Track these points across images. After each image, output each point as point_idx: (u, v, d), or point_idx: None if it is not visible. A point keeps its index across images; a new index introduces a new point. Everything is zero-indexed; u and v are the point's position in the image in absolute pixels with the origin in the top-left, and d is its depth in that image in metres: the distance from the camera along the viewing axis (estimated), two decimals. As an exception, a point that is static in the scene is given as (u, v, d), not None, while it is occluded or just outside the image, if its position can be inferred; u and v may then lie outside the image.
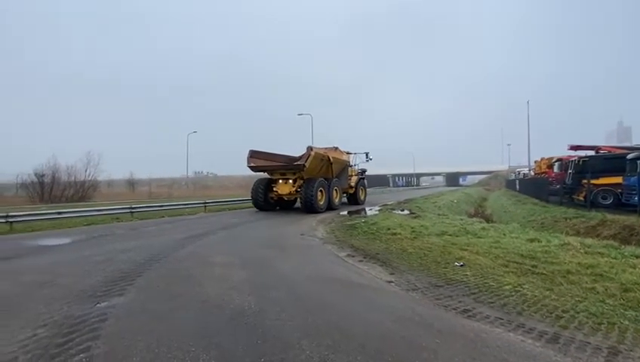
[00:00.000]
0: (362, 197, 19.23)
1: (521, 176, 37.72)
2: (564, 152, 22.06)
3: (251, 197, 15.32)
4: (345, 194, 18.07)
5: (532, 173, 31.16)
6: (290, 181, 14.64)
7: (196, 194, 44.99)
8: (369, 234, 8.51)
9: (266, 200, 15.06)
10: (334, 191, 15.45)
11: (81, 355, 2.61)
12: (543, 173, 25.08)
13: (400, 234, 8.07)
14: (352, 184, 18.31)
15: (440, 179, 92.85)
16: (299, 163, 13.68)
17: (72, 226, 10.78)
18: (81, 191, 40.33)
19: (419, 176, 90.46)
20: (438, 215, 13.25)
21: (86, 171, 42.04)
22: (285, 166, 14.48)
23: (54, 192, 38.19)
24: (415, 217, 11.90)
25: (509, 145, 67.60)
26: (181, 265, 5.52)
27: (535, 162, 29.82)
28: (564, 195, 16.64)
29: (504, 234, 7.52)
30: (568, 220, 11.89)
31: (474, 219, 12.50)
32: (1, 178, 40.94)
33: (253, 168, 14.62)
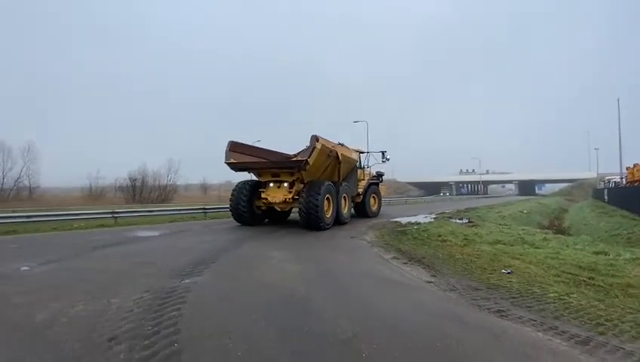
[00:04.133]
0: (374, 208, 15.02)
1: (610, 185, 32.85)
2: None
3: (230, 205, 11.28)
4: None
5: (624, 181, 27.00)
6: (286, 184, 10.76)
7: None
8: (418, 240, 8.62)
9: (250, 210, 11.04)
10: (343, 200, 11.65)
11: (174, 312, 3.49)
12: (637, 181, 21.71)
13: (450, 241, 8.06)
14: (360, 190, 14.10)
15: (512, 187, 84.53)
16: (300, 159, 10.24)
17: (159, 222, 12.83)
18: (164, 193, 46.20)
19: (487, 183, 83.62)
20: (499, 225, 12.56)
21: (167, 176, 48.19)
22: (279, 164, 10.97)
23: (143, 194, 44.40)
24: (472, 226, 11.51)
25: (596, 149, 58.77)
26: (245, 257, 6.44)
27: (627, 169, 25.84)
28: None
29: (567, 246, 7.07)
30: (661, 236, 10.36)
31: (539, 230, 11.60)
32: (103, 182, 48.74)
33: (233, 166, 10.87)
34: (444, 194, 66.28)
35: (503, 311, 3.68)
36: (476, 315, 3.59)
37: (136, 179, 46.06)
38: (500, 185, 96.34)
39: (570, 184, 66.25)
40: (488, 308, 3.76)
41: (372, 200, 15.00)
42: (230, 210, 11.46)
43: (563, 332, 3.13)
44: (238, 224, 11.42)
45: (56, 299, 3.86)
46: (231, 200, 11.30)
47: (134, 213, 13.39)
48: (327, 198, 10.47)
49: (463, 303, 3.98)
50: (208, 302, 3.83)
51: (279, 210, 11.57)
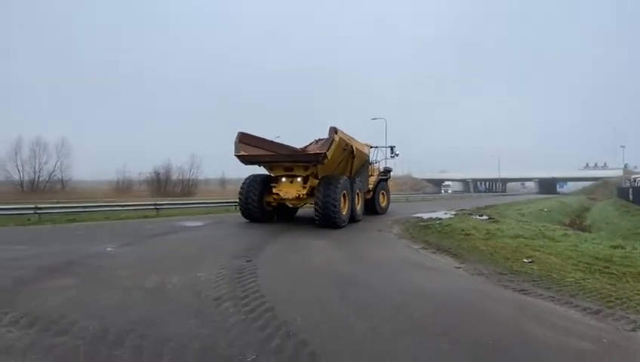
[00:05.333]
0: (383, 205, 14.81)
1: (637, 184, 32.12)
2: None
3: (239, 201, 10.83)
4: None
5: (651, 180, 26.46)
6: (299, 179, 10.34)
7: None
8: (442, 233, 9.24)
9: (260, 206, 10.57)
10: (357, 196, 11.35)
11: (252, 284, 4.31)
12: (664, 180, 21.37)
13: (473, 234, 8.64)
14: (371, 186, 13.74)
15: (531, 185, 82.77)
16: (318, 152, 9.69)
17: (196, 214, 13.89)
18: (187, 187, 47.95)
19: (505, 181, 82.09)
20: (520, 221, 12.97)
21: (190, 171, 49.92)
22: (295, 157, 10.55)
23: (167, 188, 46.28)
24: (492, 222, 11.99)
25: (622, 147, 56.99)
26: (289, 244, 7.27)
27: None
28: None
29: (585, 241, 7.56)
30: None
31: (559, 227, 11.97)
32: (130, 176, 50.87)
33: (243, 159, 10.37)
34: (445, 191, 61.52)
35: (525, 290, 4.34)
36: (502, 292, 4.27)
37: (159, 173, 48.13)
38: (520, 182, 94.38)
39: (593, 182, 64.44)
40: (513, 288, 4.42)
41: (381, 196, 14.75)
42: (239, 207, 10.91)
43: (577, 305, 3.77)
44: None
45: (152, 272, 4.77)
46: (240, 195, 10.71)
47: (173, 205, 14.53)
48: (344, 195, 9.90)
49: (490, 284, 4.65)
50: (276, 278, 4.65)
51: (291, 206, 11.21)
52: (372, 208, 13.82)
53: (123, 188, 48.24)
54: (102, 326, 2.95)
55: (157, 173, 47.83)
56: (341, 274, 4.98)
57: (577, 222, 22.77)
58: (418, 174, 77.40)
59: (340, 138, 9.78)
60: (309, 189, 10.16)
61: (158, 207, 13.57)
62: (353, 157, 11.30)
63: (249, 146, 10.55)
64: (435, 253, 6.78)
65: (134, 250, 6.40)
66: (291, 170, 10.40)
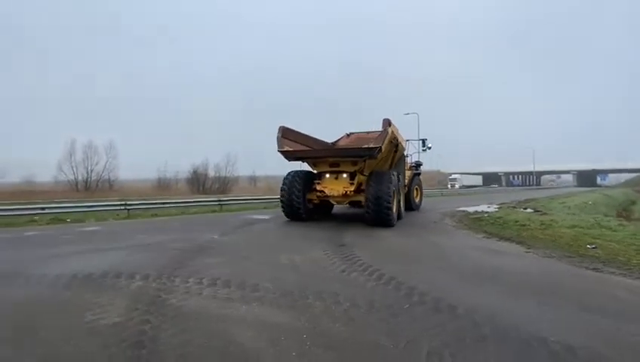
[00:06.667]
0: (417, 200, 14.62)
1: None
2: None
3: (281, 198, 10.37)
4: None
5: None
6: (345, 175, 9.87)
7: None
8: (496, 225, 9.84)
9: (304, 204, 10.19)
10: (400, 192, 10.98)
11: (356, 258, 5.28)
12: None
13: (529, 225, 9.21)
14: (406, 181, 13.16)
15: (568, 178, 79.03)
16: (373, 146, 9.01)
17: (254, 208, 15.19)
18: (223, 185, 50.31)
19: (540, 174, 78.98)
20: (569, 214, 13.22)
21: (226, 169, 52.31)
22: (346, 152, 10.09)
23: (206, 185, 48.81)
24: (541, 214, 12.37)
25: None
26: (363, 234, 8.18)
27: None
28: None
29: (644, 230, 7.95)
30: None
31: (613, 218, 12.15)
32: (170, 174, 54.05)
33: (287, 154, 9.92)
34: (452, 186, 54.36)
35: (597, 268, 5.03)
36: (576, 270, 4.99)
37: (195, 172, 50.86)
38: (556, 175, 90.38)
39: (637, 175, 60.90)
40: (585, 267, 5.13)
41: (415, 191, 14.40)
42: (282, 205, 10.40)
43: (647, 280, 4.45)
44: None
45: (272, 253, 5.87)
46: (283, 191, 10.21)
47: (235, 201, 15.97)
48: (393, 191, 9.33)
49: (562, 264, 5.37)
50: (375, 257, 5.58)
51: (335, 203, 10.94)
52: (407, 204, 12.98)
53: (164, 186, 51.61)
54: (281, 288, 4.02)
55: (195, 172, 50.59)
56: (425, 254, 5.87)
57: (624, 214, 22.19)
58: (447, 169, 76.31)
59: (392, 131, 9.44)
60: (357, 186, 9.73)
61: (221, 203, 14.99)
62: (396, 151, 11.09)
63: (291, 141, 9.99)
64: (499, 241, 7.49)
65: (237, 238, 7.60)
66: (337, 165, 9.96)
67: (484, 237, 8.03)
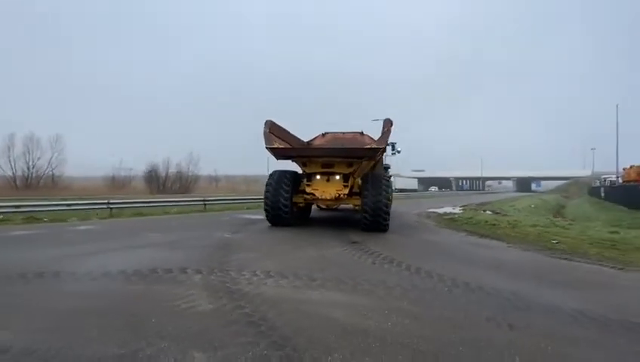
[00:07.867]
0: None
1: (607, 184, 35.96)
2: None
3: (267, 202, 9.27)
4: None
5: (620, 180, 30.01)
6: (338, 177, 9.12)
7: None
8: (471, 224, 11.20)
9: (291, 208, 9.29)
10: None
11: (377, 252, 5.99)
12: (634, 180, 24.67)
13: (499, 225, 10.66)
14: None
15: (508, 184, 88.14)
16: (376, 146, 8.49)
17: (239, 208, 15.26)
18: (185, 184, 48.30)
19: (485, 179, 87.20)
20: (526, 215, 15.25)
21: (188, 168, 50.24)
22: (345, 151, 9.21)
23: (166, 185, 46.51)
24: (503, 215, 14.18)
25: (593, 149, 62.53)
26: (367, 235, 8.93)
27: (624, 169, 28.84)
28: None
29: (588, 228, 9.71)
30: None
31: (562, 219, 14.30)
32: (125, 172, 50.58)
33: (276, 152, 9.00)
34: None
35: (567, 258, 6.27)
36: (552, 259, 6.18)
37: (154, 170, 48.25)
38: (497, 181, 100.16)
39: (565, 182, 69.81)
40: (557, 257, 6.35)
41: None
42: (266, 208, 9.29)
43: (605, 265, 5.72)
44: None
45: (295, 248, 6.35)
46: (268, 193, 9.15)
47: (218, 201, 15.86)
48: (389, 196, 9.02)
49: (539, 255, 6.57)
50: (388, 251, 6.33)
51: (324, 206, 10.38)
52: None
53: (118, 184, 48.12)
54: (333, 277, 4.57)
55: (152, 170, 47.92)
56: (430, 249, 6.75)
57: (560, 216, 25.73)
58: (405, 173, 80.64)
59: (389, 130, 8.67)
60: (350, 189, 9.11)
61: (206, 202, 14.87)
62: (382, 154, 10.54)
63: (277, 138, 9.16)
64: (481, 238, 8.68)
65: (250, 236, 7.92)
66: (331, 166, 9.11)
67: (467, 234, 9.20)
